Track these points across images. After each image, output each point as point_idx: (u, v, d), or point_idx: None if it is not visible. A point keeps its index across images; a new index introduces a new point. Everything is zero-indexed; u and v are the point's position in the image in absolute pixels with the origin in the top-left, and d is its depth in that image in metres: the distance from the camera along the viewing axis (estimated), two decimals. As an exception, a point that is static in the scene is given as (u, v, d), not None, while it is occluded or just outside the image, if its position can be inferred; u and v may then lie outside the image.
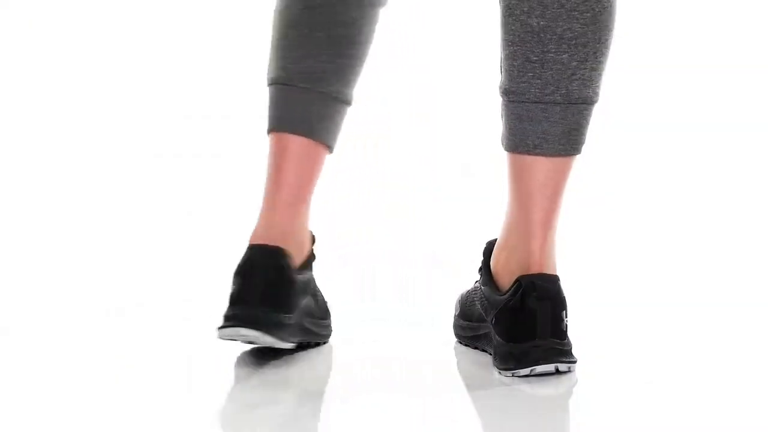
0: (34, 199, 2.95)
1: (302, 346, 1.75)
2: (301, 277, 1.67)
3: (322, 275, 1.78)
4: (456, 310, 1.77)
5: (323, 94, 1.68)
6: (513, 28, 1.58)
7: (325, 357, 1.75)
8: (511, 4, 1.59)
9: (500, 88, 1.62)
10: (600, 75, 1.60)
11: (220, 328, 1.62)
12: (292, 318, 1.63)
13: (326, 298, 1.78)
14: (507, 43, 1.60)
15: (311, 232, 1.74)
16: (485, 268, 1.67)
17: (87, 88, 3.13)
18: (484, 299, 1.65)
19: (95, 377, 1.69)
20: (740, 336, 1.82)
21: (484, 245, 1.70)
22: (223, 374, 1.67)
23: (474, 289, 1.72)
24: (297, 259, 1.67)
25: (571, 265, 2.05)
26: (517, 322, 1.57)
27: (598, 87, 1.61)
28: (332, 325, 1.79)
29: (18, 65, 3.16)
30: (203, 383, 1.63)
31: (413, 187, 2.70)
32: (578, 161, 1.62)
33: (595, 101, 1.61)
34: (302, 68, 1.67)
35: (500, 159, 1.65)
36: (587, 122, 1.61)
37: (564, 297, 1.58)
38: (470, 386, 1.57)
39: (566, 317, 1.58)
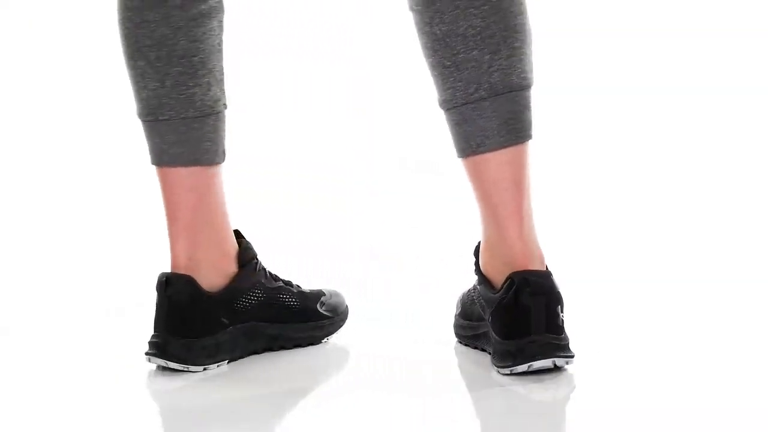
0: (34, 199, 2.95)
1: (300, 345, 1.77)
2: (219, 297, 1.70)
3: (307, 279, 1.81)
4: (457, 309, 1.77)
5: (187, 120, 1.70)
6: (423, 41, 1.62)
7: (323, 356, 1.75)
8: (416, 21, 1.62)
9: (437, 101, 1.65)
10: (522, 59, 1.60)
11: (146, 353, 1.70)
12: (207, 339, 1.68)
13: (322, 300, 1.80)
14: (424, 56, 1.63)
15: (244, 246, 1.75)
16: (477, 268, 1.68)
17: (87, 88, 3.13)
18: (480, 298, 1.66)
19: (95, 377, 1.69)
20: (737, 333, 1.82)
21: (474, 246, 1.71)
22: (221, 374, 1.67)
23: (473, 288, 1.72)
24: (216, 279, 1.71)
25: (567, 260, 2.05)
26: (512, 319, 1.57)
27: (524, 71, 1.61)
28: (332, 325, 1.80)
29: (18, 65, 3.16)
30: (202, 383, 1.63)
31: (389, 190, 2.71)
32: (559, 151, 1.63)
33: (526, 85, 1.61)
34: (162, 100, 1.70)
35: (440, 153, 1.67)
36: (523, 107, 1.61)
37: (558, 292, 1.58)
38: (470, 386, 1.57)
39: (562, 312, 1.58)
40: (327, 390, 1.59)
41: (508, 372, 1.57)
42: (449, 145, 1.65)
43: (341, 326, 1.82)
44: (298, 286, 1.81)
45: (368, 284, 2.09)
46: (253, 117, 3.00)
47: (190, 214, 1.71)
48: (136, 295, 2.08)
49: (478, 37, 1.59)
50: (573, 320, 1.61)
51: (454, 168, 1.68)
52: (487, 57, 1.59)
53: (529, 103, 1.62)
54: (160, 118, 1.70)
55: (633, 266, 2.33)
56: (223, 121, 1.73)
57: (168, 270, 1.70)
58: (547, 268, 1.62)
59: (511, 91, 1.60)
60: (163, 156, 1.71)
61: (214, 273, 1.72)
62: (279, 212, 2.77)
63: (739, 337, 1.80)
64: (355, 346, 1.79)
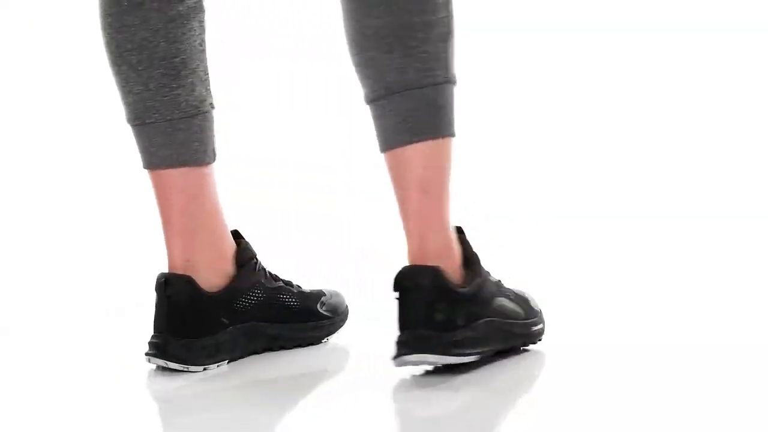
0: (34, 199, 2.95)
1: (300, 345, 1.77)
2: (218, 297, 1.70)
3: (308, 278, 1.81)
4: None
5: (173, 122, 1.70)
6: (345, 37, 1.64)
7: (323, 356, 1.75)
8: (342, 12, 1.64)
9: None
10: (422, 57, 1.59)
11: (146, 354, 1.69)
12: (207, 340, 1.68)
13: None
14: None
15: (242, 246, 1.75)
16: None
17: (87, 88, 3.13)
18: None
19: (95, 377, 1.69)
20: (722, 330, 1.82)
21: None
22: (221, 374, 1.67)
23: None
24: (214, 279, 1.71)
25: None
26: (398, 313, 1.59)
27: (424, 70, 1.59)
28: (332, 325, 1.80)
29: (18, 65, 3.16)
30: (202, 383, 1.63)
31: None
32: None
33: (427, 83, 1.60)
34: (147, 103, 1.70)
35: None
36: (425, 104, 1.60)
37: (439, 287, 1.58)
38: (471, 386, 1.57)
39: (447, 309, 1.58)
40: (327, 390, 1.59)
41: (396, 365, 1.59)
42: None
43: (341, 326, 1.82)
44: (299, 286, 1.81)
45: (368, 284, 2.09)
46: (252, 117, 3.00)
47: (183, 216, 1.71)
48: (136, 295, 2.08)
49: (373, 38, 1.59)
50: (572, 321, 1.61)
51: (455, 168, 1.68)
52: (384, 56, 1.59)
53: (436, 100, 1.60)
54: (147, 121, 1.70)
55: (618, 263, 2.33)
56: (211, 121, 1.73)
57: (166, 270, 1.70)
58: (467, 268, 1.62)
59: (406, 90, 1.59)
60: (153, 159, 1.71)
61: (212, 273, 1.72)
62: (278, 212, 2.77)
63: (721, 333, 1.80)
64: (355, 346, 1.79)
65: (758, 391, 1.53)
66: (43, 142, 3.09)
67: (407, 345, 1.57)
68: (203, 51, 1.73)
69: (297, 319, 1.78)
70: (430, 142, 1.60)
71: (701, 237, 2.51)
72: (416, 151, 1.60)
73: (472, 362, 1.59)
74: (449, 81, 1.61)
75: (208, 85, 1.73)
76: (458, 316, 1.59)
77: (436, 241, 1.61)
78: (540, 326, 1.69)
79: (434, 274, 1.58)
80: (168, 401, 1.58)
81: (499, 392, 1.55)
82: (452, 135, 1.61)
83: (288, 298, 1.78)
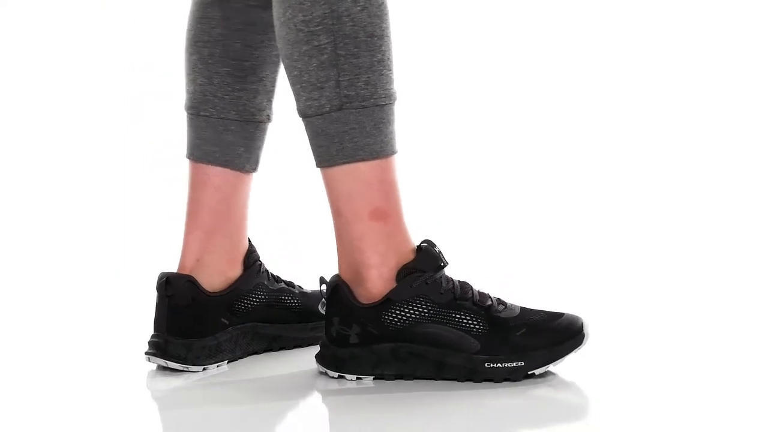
0: (34, 199, 2.96)
1: (300, 346, 1.77)
2: (220, 298, 1.70)
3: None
4: None
5: (226, 121, 1.71)
6: None
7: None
8: None
9: None
10: (306, 88, 1.57)
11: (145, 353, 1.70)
12: (207, 340, 1.68)
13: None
14: None
15: (248, 250, 1.75)
16: None
17: (87, 88, 3.13)
18: None
19: (95, 377, 1.69)
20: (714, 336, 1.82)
21: None
22: (221, 374, 1.67)
23: None
24: (218, 280, 1.71)
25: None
26: None
27: (308, 99, 1.57)
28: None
29: (18, 65, 3.16)
30: (202, 383, 1.63)
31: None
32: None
33: (311, 114, 1.58)
34: (206, 96, 1.71)
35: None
36: (315, 136, 1.58)
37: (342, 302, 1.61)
38: (471, 386, 1.57)
39: (341, 324, 1.61)
40: (327, 390, 1.59)
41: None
42: (448, 146, 1.65)
43: None
44: (300, 287, 1.81)
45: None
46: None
47: (210, 214, 1.72)
48: (136, 295, 2.08)
49: (282, 65, 1.68)
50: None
51: (455, 168, 1.68)
52: (291, 85, 1.60)
53: (326, 129, 1.57)
54: (201, 113, 1.71)
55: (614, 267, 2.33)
56: (263, 132, 1.74)
57: (168, 269, 1.71)
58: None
59: (303, 118, 1.60)
60: (196, 151, 1.72)
61: (218, 275, 1.72)
62: (277, 213, 2.77)
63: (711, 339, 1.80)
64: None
65: (758, 390, 1.54)
66: (44, 143, 3.10)
67: (318, 355, 1.64)
68: (276, 63, 1.73)
69: (298, 320, 1.78)
70: (329, 170, 1.59)
71: (688, 258, 2.52)
72: (325, 175, 1.60)
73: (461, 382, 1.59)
74: (343, 107, 1.56)
75: (271, 98, 1.74)
76: (351, 334, 1.61)
77: (359, 263, 1.60)
78: (514, 364, 1.57)
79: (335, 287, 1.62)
80: (168, 401, 1.58)
81: (500, 391, 1.55)
82: (357, 159, 1.58)
83: (289, 299, 1.78)
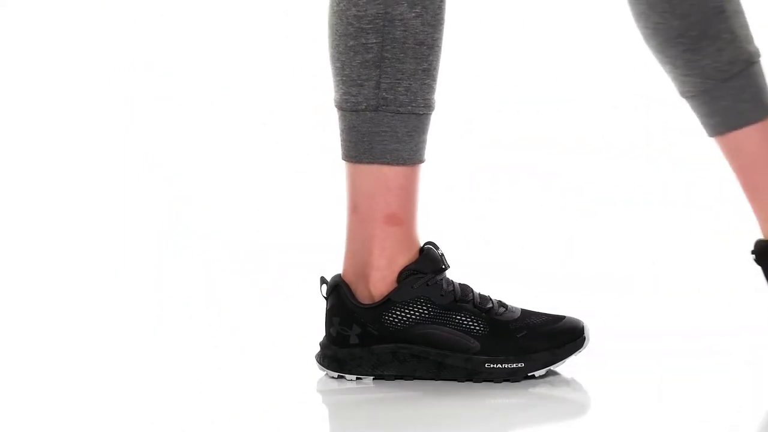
0: (34, 199, 2.95)
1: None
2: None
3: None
4: None
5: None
6: None
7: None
8: None
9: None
10: (345, 82, 1.57)
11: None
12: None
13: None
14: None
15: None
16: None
17: (87, 88, 3.13)
18: None
19: (96, 377, 1.69)
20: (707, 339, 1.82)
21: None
22: (219, 373, 1.67)
23: None
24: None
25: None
26: None
27: (342, 94, 1.58)
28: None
29: (18, 65, 3.16)
30: (199, 383, 1.63)
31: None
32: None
33: (345, 108, 1.58)
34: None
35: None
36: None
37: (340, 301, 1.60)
38: (471, 385, 1.57)
39: (341, 323, 1.60)
40: (327, 390, 1.59)
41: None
42: (460, 145, 1.63)
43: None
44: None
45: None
46: (250, 118, 3.00)
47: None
48: (136, 296, 2.08)
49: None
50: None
51: (456, 169, 1.68)
52: (333, 75, 1.61)
53: (356, 126, 1.58)
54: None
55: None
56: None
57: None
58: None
59: (338, 110, 1.61)
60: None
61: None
62: (277, 213, 2.77)
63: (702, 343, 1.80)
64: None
65: (758, 391, 1.54)
66: (44, 143, 3.09)
67: (318, 355, 1.63)
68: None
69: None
70: (353, 165, 1.59)
71: (684, 253, 2.52)
72: (348, 168, 1.60)
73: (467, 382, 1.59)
74: (379, 108, 1.57)
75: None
76: (351, 335, 1.60)
77: (351, 257, 1.61)
78: (514, 366, 1.57)
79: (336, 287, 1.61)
80: (165, 401, 1.58)
81: (500, 391, 1.55)
82: (383, 162, 1.58)
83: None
